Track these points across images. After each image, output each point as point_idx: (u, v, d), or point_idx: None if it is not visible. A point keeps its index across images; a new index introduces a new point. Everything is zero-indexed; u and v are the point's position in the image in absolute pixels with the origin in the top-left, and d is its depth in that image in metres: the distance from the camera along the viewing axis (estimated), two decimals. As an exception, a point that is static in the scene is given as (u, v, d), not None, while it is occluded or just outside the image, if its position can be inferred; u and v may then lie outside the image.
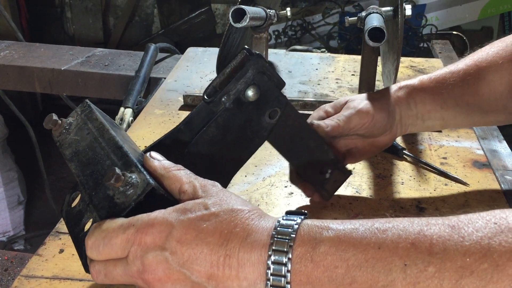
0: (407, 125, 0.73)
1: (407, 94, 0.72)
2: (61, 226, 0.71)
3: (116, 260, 0.45)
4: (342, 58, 1.31)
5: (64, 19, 3.12)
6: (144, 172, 0.48)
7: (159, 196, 0.48)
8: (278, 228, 0.42)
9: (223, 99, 0.57)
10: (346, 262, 0.39)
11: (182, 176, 0.49)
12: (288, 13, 1.01)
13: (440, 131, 0.95)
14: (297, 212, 0.45)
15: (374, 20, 0.81)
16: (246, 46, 0.60)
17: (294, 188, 0.78)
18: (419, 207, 0.75)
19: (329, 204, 0.76)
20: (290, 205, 0.76)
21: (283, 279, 0.41)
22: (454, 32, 2.75)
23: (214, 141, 0.59)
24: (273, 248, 0.41)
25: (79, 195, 0.61)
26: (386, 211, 0.75)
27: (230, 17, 0.80)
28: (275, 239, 0.42)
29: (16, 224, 2.23)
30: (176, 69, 1.22)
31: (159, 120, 0.99)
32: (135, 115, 1.11)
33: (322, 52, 1.35)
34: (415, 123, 0.73)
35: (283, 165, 0.84)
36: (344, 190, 0.79)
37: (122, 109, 1.13)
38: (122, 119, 1.12)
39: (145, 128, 0.96)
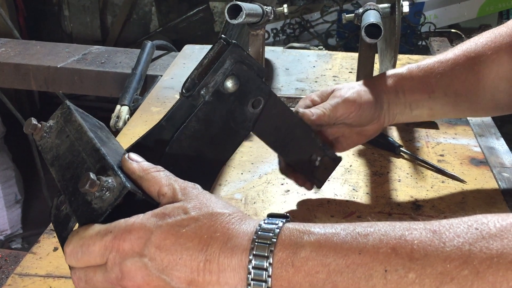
0: (395, 114, 0.72)
1: (395, 83, 0.71)
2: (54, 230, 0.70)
3: (96, 267, 0.44)
4: (340, 55, 1.30)
5: (61, 17, 3.12)
6: (121, 175, 0.46)
7: (138, 199, 0.47)
8: (259, 232, 0.42)
9: (202, 92, 0.55)
10: (327, 267, 0.39)
11: (161, 178, 0.48)
12: (285, 10, 1.00)
13: (438, 128, 0.94)
14: (279, 215, 0.44)
15: (371, 17, 0.80)
16: (222, 35, 0.58)
17: (290, 186, 0.78)
18: (416, 204, 0.75)
19: (325, 202, 0.76)
20: (287, 202, 0.76)
21: (264, 284, 0.40)
22: (453, 30, 2.75)
23: (196, 136, 0.57)
24: (254, 252, 0.40)
25: None
26: (382, 209, 0.74)
27: (226, 14, 0.79)
28: (256, 243, 0.41)
29: (13, 223, 2.22)
30: (173, 67, 1.22)
31: (155, 118, 0.98)
32: (132, 112, 1.10)
33: (319, 49, 1.35)
34: (403, 112, 0.72)
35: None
36: (341, 187, 0.79)
37: (118, 106, 1.13)
38: (118, 117, 1.11)
39: (141, 126, 0.96)
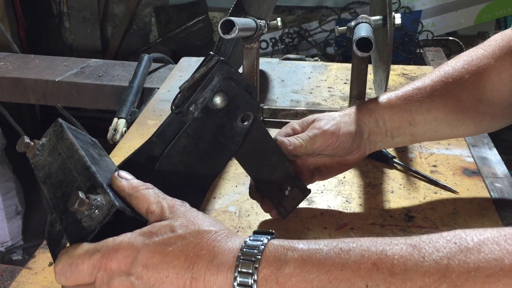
0: (376, 142, 0.73)
1: (375, 112, 0.72)
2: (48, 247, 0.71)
3: (85, 285, 0.45)
4: (335, 66, 1.31)
5: (62, 29, 3.14)
6: (110, 194, 0.47)
7: (127, 217, 0.48)
8: (244, 249, 0.42)
9: (191, 108, 0.56)
10: (310, 284, 0.39)
11: (150, 195, 0.49)
12: (279, 23, 1.02)
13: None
14: (265, 232, 0.45)
15: (362, 30, 0.81)
16: (211, 52, 0.59)
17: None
18: (408, 215, 0.76)
19: (318, 214, 0.77)
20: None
21: None
22: (451, 38, 2.77)
23: (186, 152, 0.58)
24: (239, 270, 0.41)
25: None
26: (375, 221, 0.75)
27: (219, 29, 0.80)
28: (241, 260, 0.42)
29: (14, 234, 2.23)
30: (170, 79, 1.23)
31: (152, 131, 0.98)
32: (129, 125, 1.11)
33: (315, 60, 1.36)
34: (384, 140, 0.73)
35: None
36: (334, 199, 0.80)
37: (115, 119, 1.14)
38: (115, 130, 1.12)
39: (138, 139, 0.97)
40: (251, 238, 0.44)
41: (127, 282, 0.43)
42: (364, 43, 0.79)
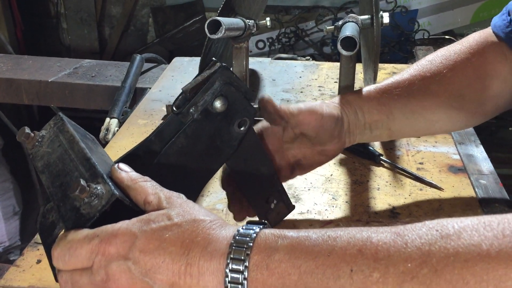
0: (356, 135, 0.73)
1: (354, 104, 0.72)
2: (39, 237, 0.72)
3: (82, 270, 0.46)
4: (326, 65, 1.32)
5: (59, 30, 3.15)
6: (110, 183, 0.49)
7: (124, 206, 0.49)
8: (237, 237, 0.44)
9: (191, 110, 0.58)
10: (298, 269, 0.41)
11: (148, 187, 0.50)
12: (268, 23, 1.02)
13: (418, 137, 0.96)
14: (258, 222, 0.47)
15: (347, 30, 0.82)
16: (213, 58, 0.61)
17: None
18: (393, 212, 0.76)
19: (305, 211, 0.77)
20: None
21: (240, 286, 0.42)
22: (447, 37, 2.77)
23: (183, 152, 0.59)
24: (231, 256, 0.43)
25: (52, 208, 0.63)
26: (360, 217, 0.76)
27: (206, 29, 0.81)
28: (233, 247, 0.43)
29: (11, 235, 2.24)
30: (162, 79, 1.24)
31: (142, 130, 1.00)
32: (121, 125, 1.12)
33: (306, 60, 1.37)
34: (363, 133, 0.73)
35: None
36: (321, 196, 0.81)
37: (108, 119, 1.15)
38: (108, 129, 1.13)
39: (128, 138, 0.98)
40: (243, 227, 0.45)
41: (125, 266, 0.44)
42: (349, 42, 0.79)
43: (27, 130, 0.59)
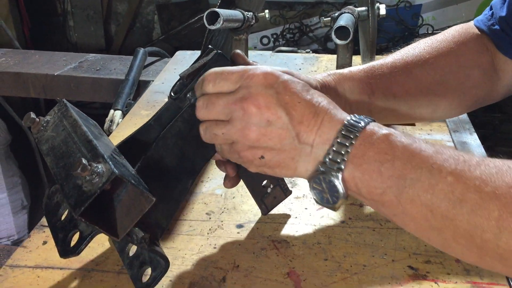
0: None
1: (336, 81, 0.70)
2: (45, 220, 0.75)
3: (226, 95, 0.54)
4: (325, 57, 1.34)
5: (66, 28, 3.19)
6: (110, 163, 0.52)
7: (124, 184, 0.52)
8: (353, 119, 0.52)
9: (188, 95, 0.61)
10: (393, 154, 0.48)
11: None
12: (267, 15, 1.05)
13: (414, 125, 0.98)
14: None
15: (342, 20, 0.85)
16: (210, 46, 0.63)
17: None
18: (387, 196, 0.79)
19: (301, 195, 0.80)
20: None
21: (347, 143, 0.50)
22: (451, 31, 2.77)
23: (181, 136, 0.62)
24: (352, 119, 0.51)
25: (57, 190, 0.66)
26: (354, 201, 0.78)
27: (204, 20, 0.84)
28: (352, 120, 0.51)
29: (20, 228, 2.28)
30: (164, 72, 1.27)
31: (145, 121, 1.02)
32: (125, 116, 1.15)
33: (306, 52, 1.39)
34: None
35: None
36: (317, 182, 0.83)
37: (112, 111, 1.18)
38: (112, 121, 1.16)
39: (131, 128, 1.00)
40: (353, 119, 0.52)
41: (270, 92, 0.52)
42: (343, 31, 0.82)
43: (33, 115, 0.62)
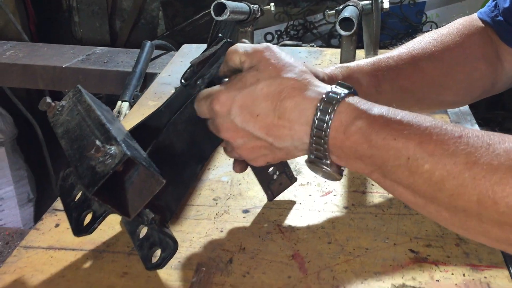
0: None
1: (343, 74, 0.71)
2: (57, 204, 0.78)
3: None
4: (329, 51, 1.36)
5: (72, 23, 3.21)
6: (122, 145, 0.54)
7: (136, 165, 0.55)
8: (325, 98, 0.53)
9: (198, 82, 0.63)
10: (369, 143, 0.50)
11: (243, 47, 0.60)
12: (272, 8, 1.07)
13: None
14: (346, 85, 0.55)
15: (346, 12, 0.87)
16: (220, 35, 0.66)
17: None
18: (389, 184, 0.81)
19: (305, 183, 0.82)
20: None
21: (322, 141, 0.53)
22: (454, 28, 2.78)
23: (191, 121, 0.64)
24: (319, 111, 0.53)
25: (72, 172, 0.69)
26: (357, 189, 0.80)
27: (212, 11, 0.86)
28: (320, 109, 0.53)
29: (26, 221, 2.31)
30: (171, 65, 1.29)
31: (152, 111, 1.05)
32: (132, 108, 1.17)
33: (311, 46, 1.41)
34: None
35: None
36: (321, 170, 0.85)
37: (119, 102, 1.20)
38: (119, 112, 1.19)
39: (138, 118, 1.01)
40: (331, 90, 0.54)
41: (228, 119, 0.58)
42: (347, 23, 0.84)
43: (49, 99, 0.65)
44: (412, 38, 0.79)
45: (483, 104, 2.57)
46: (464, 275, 0.63)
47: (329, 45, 2.89)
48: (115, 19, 3.19)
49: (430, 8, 2.81)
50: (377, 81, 0.72)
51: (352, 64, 0.73)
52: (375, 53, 1.03)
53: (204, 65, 0.64)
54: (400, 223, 0.72)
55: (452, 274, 0.63)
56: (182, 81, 0.65)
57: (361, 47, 1.16)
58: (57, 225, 0.73)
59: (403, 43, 0.78)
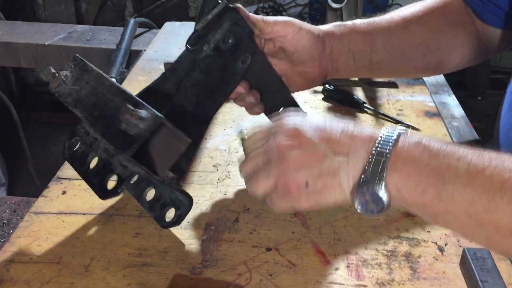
0: (339, 63, 0.76)
1: (340, 31, 0.74)
2: (61, 173, 0.79)
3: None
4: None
5: (35, 6, 3.13)
6: (152, 109, 0.56)
7: (167, 128, 0.57)
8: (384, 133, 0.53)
9: (204, 47, 0.67)
10: (428, 154, 0.50)
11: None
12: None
13: (397, 88, 1.06)
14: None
15: (335, -14, 0.91)
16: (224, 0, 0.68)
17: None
18: (377, 149, 0.86)
19: (299, 150, 0.86)
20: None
21: (383, 158, 0.50)
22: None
23: (198, 85, 0.68)
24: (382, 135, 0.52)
25: (79, 141, 0.70)
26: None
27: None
28: (384, 135, 0.53)
29: (-3, 207, 2.26)
30: (156, 42, 1.30)
31: (143, 86, 1.04)
32: (120, 83, 1.19)
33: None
34: (346, 63, 0.76)
35: (257, 120, 0.94)
36: (313, 138, 0.89)
37: (106, 79, 1.21)
38: (106, 89, 1.19)
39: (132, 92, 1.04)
40: (382, 138, 0.52)
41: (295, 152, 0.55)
42: (337, -3, 0.88)
43: (53, 70, 0.65)
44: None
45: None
46: (452, 225, 0.69)
47: (298, 28, 2.92)
48: (81, 1, 3.13)
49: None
50: (372, 39, 0.76)
51: (349, 22, 0.77)
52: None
53: (209, 30, 0.67)
54: (391, 183, 0.77)
55: (442, 225, 0.69)
56: (188, 46, 0.68)
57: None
58: (64, 192, 0.75)
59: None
